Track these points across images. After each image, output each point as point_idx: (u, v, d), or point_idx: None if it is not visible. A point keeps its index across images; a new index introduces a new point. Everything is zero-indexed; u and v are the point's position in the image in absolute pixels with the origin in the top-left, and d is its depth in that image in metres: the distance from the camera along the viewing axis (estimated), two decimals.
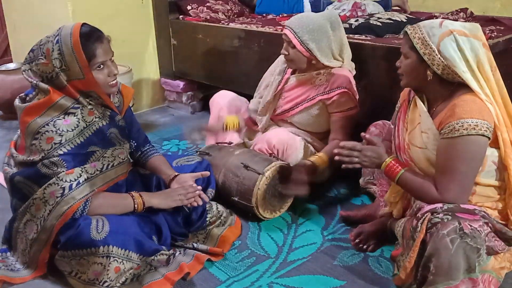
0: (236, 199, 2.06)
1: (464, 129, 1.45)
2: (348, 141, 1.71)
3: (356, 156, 1.64)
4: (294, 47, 2.12)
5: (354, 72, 2.26)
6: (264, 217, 2.07)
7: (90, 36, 1.61)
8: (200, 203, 1.83)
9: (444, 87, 1.56)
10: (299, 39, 2.10)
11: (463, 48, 1.49)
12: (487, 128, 1.45)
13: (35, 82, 1.64)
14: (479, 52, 1.51)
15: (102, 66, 1.63)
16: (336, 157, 1.68)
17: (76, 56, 1.58)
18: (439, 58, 1.49)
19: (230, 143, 2.39)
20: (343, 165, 1.67)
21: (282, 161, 2.11)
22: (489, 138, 1.47)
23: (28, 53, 1.67)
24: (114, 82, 1.69)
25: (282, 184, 2.06)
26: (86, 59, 1.59)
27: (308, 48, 2.10)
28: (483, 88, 1.50)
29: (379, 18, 2.64)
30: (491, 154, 1.51)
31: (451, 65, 1.49)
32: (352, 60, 2.27)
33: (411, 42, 1.54)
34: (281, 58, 2.35)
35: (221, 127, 2.38)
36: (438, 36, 1.50)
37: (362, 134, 1.72)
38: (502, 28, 2.59)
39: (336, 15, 2.21)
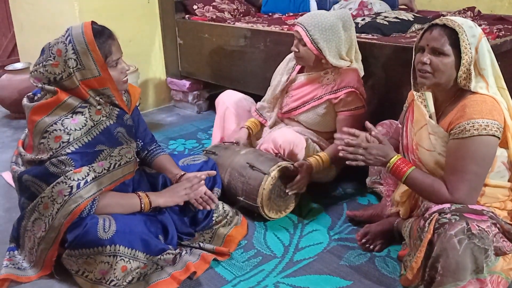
0: (241, 199, 2.06)
1: (474, 130, 1.44)
2: (350, 128, 1.68)
3: (361, 154, 1.62)
4: (304, 44, 2.12)
5: (363, 73, 2.25)
6: (270, 217, 2.06)
7: (103, 34, 1.63)
8: (213, 206, 1.84)
9: (455, 88, 1.55)
10: (310, 37, 2.09)
11: (490, 50, 1.50)
12: (497, 128, 1.44)
13: (40, 85, 1.65)
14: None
15: (115, 63, 1.66)
16: (341, 153, 1.67)
17: (91, 54, 1.59)
18: (471, 60, 1.47)
19: (236, 142, 2.39)
20: (347, 162, 1.66)
21: (288, 161, 2.11)
22: (499, 138, 1.46)
23: (38, 58, 1.68)
24: (126, 78, 1.72)
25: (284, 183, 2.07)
26: (102, 56, 1.60)
27: (318, 47, 2.10)
28: (496, 91, 1.51)
29: (385, 17, 2.63)
30: (501, 154, 1.51)
31: (482, 67, 1.48)
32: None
33: (454, 40, 1.48)
34: (289, 56, 2.35)
35: (246, 135, 2.37)
36: (478, 37, 1.49)
37: (371, 128, 1.68)
38: (510, 27, 2.57)
39: (348, 15, 2.19)
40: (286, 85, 2.31)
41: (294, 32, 2.16)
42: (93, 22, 1.65)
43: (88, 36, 1.59)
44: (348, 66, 2.19)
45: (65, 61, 1.60)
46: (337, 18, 2.13)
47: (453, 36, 1.48)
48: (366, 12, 3.02)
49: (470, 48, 1.47)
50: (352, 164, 1.64)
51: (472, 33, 1.48)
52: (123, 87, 1.75)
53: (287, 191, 2.04)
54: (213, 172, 1.97)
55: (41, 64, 1.65)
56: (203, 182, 1.83)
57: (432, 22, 1.55)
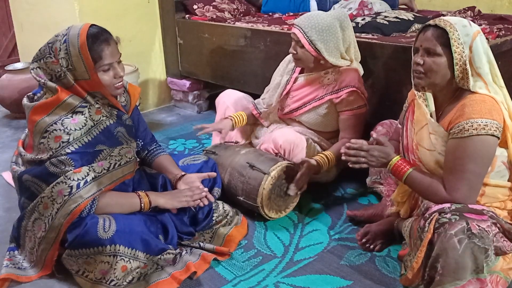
0: (241, 198, 2.06)
1: (473, 129, 1.44)
2: (357, 139, 1.69)
3: (363, 156, 1.63)
4: (302, 46, 2.12)
5: (362, 72, 2.25)
6: (270, 217, 2.06)
7: (97, 38, 1.62)
8: (206, 203, 1.84)
9: (454, 87, 1.55)
10: (308, 39, 2.09)
11: (487, 48, 1.50)
12: (496, 127, 1.44)
13: (43, 80, 1.65)
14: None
15: (108, 68, 1.64)
16: (343, 157, 1.68)
17: (82, 57, 1.59)
18: (466, 59, 1.47)
19: (236, 142, 2.39)
20: (350, 164, 1.67)
21: (288, 161, 2.10)
22: (498, 138, 1.46)
23: (37, 52, 1.68)
24: (119, 84, 1.70)
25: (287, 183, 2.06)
26: (92, 60, 1.59)
27: (316, 48, 2.10)
28: (497, 89, 1.51)
29: (385, 16, 2.63)
30: (501, 154, 1.50)
31: (477, 66, 1.48)
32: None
33: (445, 40, 1.48)
34: (288, 57, 2.34)
35: (229, 126, 2.36)
36: (471, 36, 1.48)
37: (372, 132, 1.71)
38: (510, 26, 2.57)
39: (345, 14, 2.19)
40: (288, 86, 2.30)
41: (292, 34, 2.16)
42: (92, 25, 1.65)
43: (81, 39, 1.59)
44: (348, 66, 2.19)
45: (59, 60, 1.61)
46: (334, 18, 2.12)
47: (445, 36, 1.48)
48: (366, 12, 3.01)
49: (463, 47, 1.47)
50: (355, 166, 1.65)
51: (465, 32, 1.48)
52: (116, 92, 1.72)
53: (289, 192, 2.03)
54: (213, 174, 1.97)
55: (42, 61, 1.65)
56: (204, 193, 1.83)
57: (426, 23, 1.55)
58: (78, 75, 1.62)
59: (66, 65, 1.61)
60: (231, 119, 2.35)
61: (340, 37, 2.13)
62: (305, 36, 2.09)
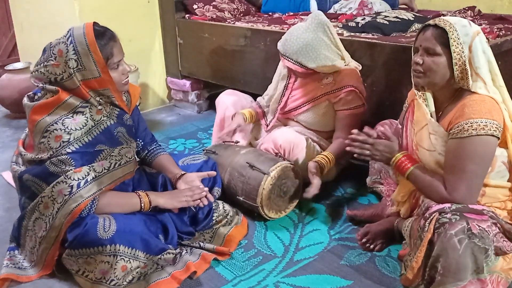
0: (241, 198, 2.06)
1: (473, 129, 1.44)
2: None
3: (368, 149, 1.63)
4: (300, 71, 2.12)
5: (360, 67, 2.24)
6: (269, 217, 2.06)
7: (104, 35, 1.63)
8: (206, 203, 1.84)
9: (454, 87, 1.55)
10: (300, 65, 2.08)
11: (486, 48, 1.50)
12: (496, 127, 1.44)
13: (41, 85, 1.65)
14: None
15: (117, 65, 1.66)
16: (348, 148, 1.67)
17: (92, 55, 1.60)
18: (465, 59, 1.47)
19: (236, 142, 2.39)
20: (355, 155, 1.66)
21: (288, 161, 2.10)
22: (498, 138, 1.46)
23: (38, 59, 1.68)
24: (127, 80, 1.72)
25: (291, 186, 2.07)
26: (103, 58, 1.60)
27: (310, 68, 2.09)
28: (496, 90, 1.51)
29: (386, 16, 2.63)
30: (501, 154, 1.50)
31: (477, 66, 1.48)
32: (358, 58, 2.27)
33: (445, 40, 1.48)
34: None
35: (242, 119, 2.34)
36: (471, 36, 1.48)
37: (378, 127, 1.69)
38: (510, 26, 2.56)
39: (319, 14, 2.11)
40: (286, 93, 2.30)
41: (284, 66, 2.17)
42: (95, 23, 1.66)
43: (89, 37, 1.59)
44: (346, 65, 2.18)
45: (65, 62, 1.60)
46: (313, 30, 2.06)
47: (445, 36, 1.48)
48: (366, 12, 3.02)
49: (462, 47, 1.47)
50: (360, 158, 1.65)
51: (465, 32, 1.48)
52: (124, 88, 1.75)
53: (304, 195, 2.00)
54: (213, 173, 1.97)
55: (42, 64, 1.66)
56: (204, 193, 1.83)
57: (426, 23, 1.55)
58: (87, 74, 1.62)
59: (75, 66, 1.61)
60: (242, 115, 2.35)
61: (327, 42, 2.10)
62: (297, 64, 2.08)
